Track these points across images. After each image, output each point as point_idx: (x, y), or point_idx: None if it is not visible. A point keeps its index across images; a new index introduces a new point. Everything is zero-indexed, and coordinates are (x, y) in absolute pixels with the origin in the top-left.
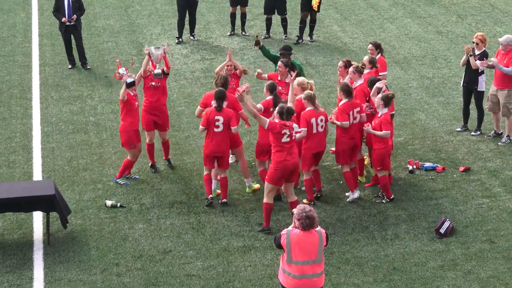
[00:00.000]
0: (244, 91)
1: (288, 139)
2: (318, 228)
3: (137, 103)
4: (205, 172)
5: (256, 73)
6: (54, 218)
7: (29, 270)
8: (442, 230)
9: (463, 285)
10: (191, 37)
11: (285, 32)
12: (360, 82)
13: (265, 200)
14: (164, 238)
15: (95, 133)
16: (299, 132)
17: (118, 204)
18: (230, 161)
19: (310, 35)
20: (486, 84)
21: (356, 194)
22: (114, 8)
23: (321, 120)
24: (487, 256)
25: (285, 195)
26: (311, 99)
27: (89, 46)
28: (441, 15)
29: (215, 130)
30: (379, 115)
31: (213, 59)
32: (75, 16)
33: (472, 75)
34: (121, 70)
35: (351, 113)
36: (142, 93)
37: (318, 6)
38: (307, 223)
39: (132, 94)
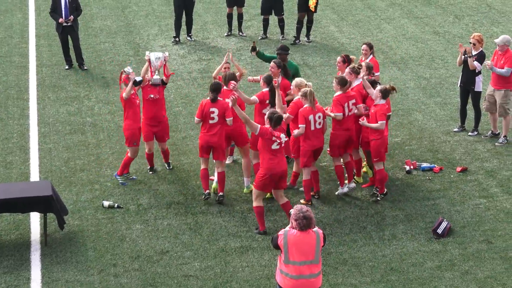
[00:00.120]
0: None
1: (278, 147)
2: (316, 228)
3: (138, 100)
4: (202, 167)
5: (247, 79)
6: (51, 219)
7: (27, 271)
8: (439, 231)
9: (460, 285)
10: (188, 38)
11: (282, 32)
12: (357, 82)
13: (254, 204)
14: (161, 238)
15: (92, 133)
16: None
17: (116, 205)
18: (227, 162)
19: (307, 35)
20: (483, 85)
21: (345, 189)
22: (111, 8)
23: (319, 117)
24: (485, 256)
25: (276, 200)
26: (307, 96)
27: (86, 46)
28: (438, 16)
29: (211, 122)
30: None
31: (210, 59)
32: (72, 16)
33: (469, 75)
34: (127, 69)
35: (346, 105)
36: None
37: (315, 7)
38: (304, 224)
39: (132, 92)
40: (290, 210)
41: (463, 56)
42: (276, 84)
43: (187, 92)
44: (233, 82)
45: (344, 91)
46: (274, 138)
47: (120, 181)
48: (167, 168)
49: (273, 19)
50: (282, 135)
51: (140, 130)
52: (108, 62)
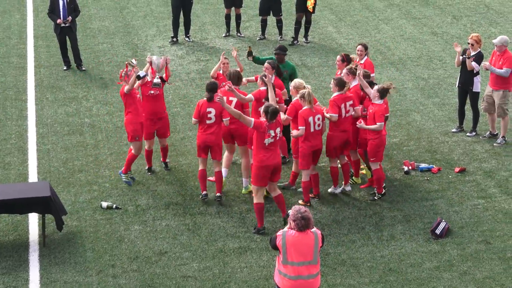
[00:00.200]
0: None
1: (272, 140)
2: (314, 229)
3: (138, 95)
4: (200, 168)
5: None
6: (49, 219)
7: (25, 271)
8: (437, 231)
9: (459, 286)
10: (186, 39)
11: (280, 33)
12: (354, 83)
13: (255, 200)
14: (160, 239)
15: (91, 134)
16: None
17: (114, 206)
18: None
19: (305, 36)
20: (482, 85)
21: (338, 190)
22: (109, 9)
23: (318, 119)
24: (483, 257)
25: (268, 191)
26: (305, 97)
27: (84, 47)
28: (436, 16)
29: (208, 122)
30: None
31: (208, 60)
32: (70, 17)
33: (467, 76)
34: (133, 61)
35: (342, 106)
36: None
37: (313, 7)
38: (303, 224)
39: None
40: (288, 211)
41: (461, 57)
42: (267, 79)
43: (185, 92)
44: (229, 82)
45: (342, 92)
46: (270, 130)
47: (124, 180)
48: (165, 168)
49: (271, 19)
50: (278, 129)
51: (142, 125)
52: (106, 63)
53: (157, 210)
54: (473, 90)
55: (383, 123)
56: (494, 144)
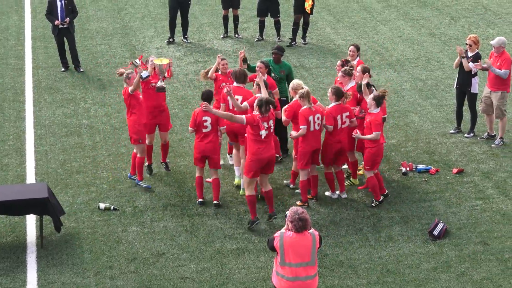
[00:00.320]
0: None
1: (266, 132)
2: (312, 230)
3: (141, 96)
4: (197, 174)
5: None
6: (47, 221)
7: (23, 273)
8: (435, 232)
9: (456, 287)
10: (184, 40)
11: (278, 34)
12: (351, 84)
13: (247, 193)
14: (157, 240)
15: (88, 136)
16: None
17: (112, 207)
18: (230, 162)
19: (303, 37)
20: (479, 86)
21: (335, 195)
22: (107, 10)
23: (318, 118)
24: (481, 258)
25: (259, 185)
26: (304, 96)
27: (82, 49)
28: (434, 17)
29: (204, 130)
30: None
31: (206, 61)
32: (68, 19)
33: (465, 77)
34: (138, 61)
35: (339, 117)
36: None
37: (311, 9)
38: (300, 225)
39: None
40: (286, 212)
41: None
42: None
43: (183, 94)
44: (228, 85)
45: (339, 103)
46: (264, 122)
47: (144, 185)
48: (165, 169)
49: (269, 21)
50: (271, 121)
51: (145, 126)
52: (104, 64)
53: (155, 212)
54: (471, 91)
55: (379, 132)
56: (492, 145)
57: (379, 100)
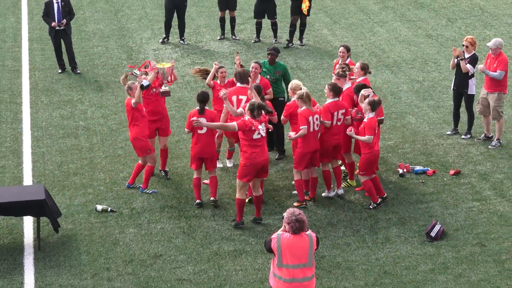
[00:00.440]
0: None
1: (259, 136)
2: (309, 231)
3: (144, 108)
4: (194, 176)
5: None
6: (44, 223)
7: (20, 275)
8: (432, 234)
9: None
10: (181, 41)
11: (275, 36)
12: (347, 86)
13: (237, 196)
14: (155, 242)
15: (86, 137)
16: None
17: (109, 209)
18: (218, 165)
19: (300, 39)
20: (476, 88)
21: (332, 193)
22: (104, 12)
23: (316, 119)
24: (478, 259)
25: (251, 188)
26: (303, 98)
27: (79, 50)
28: (431, 19)
29: (199, 132)
30: (365, 120)
31: (203, 63)
32: (64, 20)
33: (462, 78)
34: (137, 71)
35: (335, 113)
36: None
37: (308, 10)
38: (297, 227)
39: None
40: (283, 214)
41: (456, 59)
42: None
43: (180, 95)
44: (223, 90)
45: (336, 99)
46: (253, 128)
47: (150, 191)
48: (164, 177)
49: (266, 22)
50: (263, 125)
51: (148, 136)
52: (101, 66)
53: (152, 213)
54: (468, 93)
55: (372, 136)
56: (489, 147)
57: (374, 105)
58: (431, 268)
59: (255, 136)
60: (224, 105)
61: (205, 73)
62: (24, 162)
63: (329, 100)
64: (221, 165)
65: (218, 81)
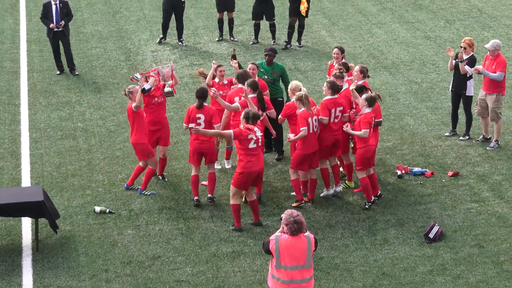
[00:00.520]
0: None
1: (255, 145)
2: (307, 233)
3: (145, 113)
4: (193, 173)
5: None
6: (42, 224)
7: (18, 276)
8: (431, 235)
9: None
10: (179, 43)
11: (274, 37)
12: (345, 86)
13: (232, 202)
14: (153, 244)
15: (84, 139)
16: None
17: (107, 210)
18: (216, 167)
19: (299, 40)
20: (475, 89)
21: (331, 191)
22: (102, 14)
23: (315, 120)
24: (476, 260)
25: (245, 194)
26: (302, 99)
27: (77, 52)
28: (429, 20)
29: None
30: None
31: (201, 64)
32: (63, 22)
33: (460, 80)
34: (137, 75)
35: (333, 110)
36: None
37: (306, 12)
38: (295, 228)
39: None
40: (281, 215)
41: (454, 61)
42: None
43: (178, 97)
44: (213, 88)
45: (334, 96)
46: (250, 136)
47: (148, 193)
48: (162, 179)
49: (264, 24)
50: (259, 133)
51: (149, 140)
52: (99, 67)
53: (150, 215)
54: (466, 94)
55: (368, 130)
56: (487, 148)
57: (371, 101)
58: (430, 269)
59: (251, 145)
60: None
61: (206, 76)
62: (22, 163)
63: (327, 97)
64: (219, 167)
65: (217, 80)
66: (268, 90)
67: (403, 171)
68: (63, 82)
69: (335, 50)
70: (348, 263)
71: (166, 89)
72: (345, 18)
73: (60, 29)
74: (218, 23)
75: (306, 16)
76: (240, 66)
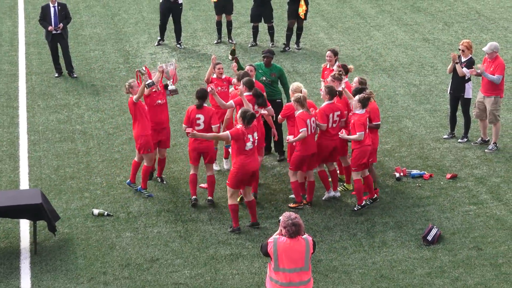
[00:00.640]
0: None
1: (252, 146)
2: (305, 235)
3: (146, 107)
4: (191, 172)
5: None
6: (41, 227)
7: (16, 279)
8: (429, 237)
9: None
10: (178, 45)
11: (272, 40)
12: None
13: (229, 202)
14: (151, 246)
15: (82, 141)
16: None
17: (105, 213)
18: (215, 168)
19: (297, 43)
20: (473, 91)
21: (332, 193)
22: (100, 16)
23: (313, 122)
24: (474, 263)
25: (242, 195)
26: (300, 101)
27: (76, 54)
28: (427, 23)
29: (197, 128)
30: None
31: (200, 67)
32: (61, 24)
33: (459, 82)
34: (144, 69)
35: (330, 115)
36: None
37: (305, 14)
38: (293, 231)
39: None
40: (280, 217)
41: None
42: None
43: (177, 99)
44: (211, 85)
45: (331, 102)
46: (248, 135)
47: (146, 194)
48: (161, 182)
49: (262, 26)
50: (255, 134)
51: (151, 135)
52: (97, 70)
53: (148, 217)
54: (465, 97)
55: (363, 132)
56: (486, 151)
57: (364, 102)
58: (428, 272)
59: (248, 146)
60: (225, 113)
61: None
62: (20, 166)
63: (324, 103)
64: (218, 168)
65: (215, 76)
66: (265, 93)
67: (402, 174)
68: (61, 85)
69: (328, 53)
70: (346, 265)
71: (171, 87)
72: (344, 21)
73: (58, 32)
74: (217, 25)
75: (305, 18)
76: (240, 67)
